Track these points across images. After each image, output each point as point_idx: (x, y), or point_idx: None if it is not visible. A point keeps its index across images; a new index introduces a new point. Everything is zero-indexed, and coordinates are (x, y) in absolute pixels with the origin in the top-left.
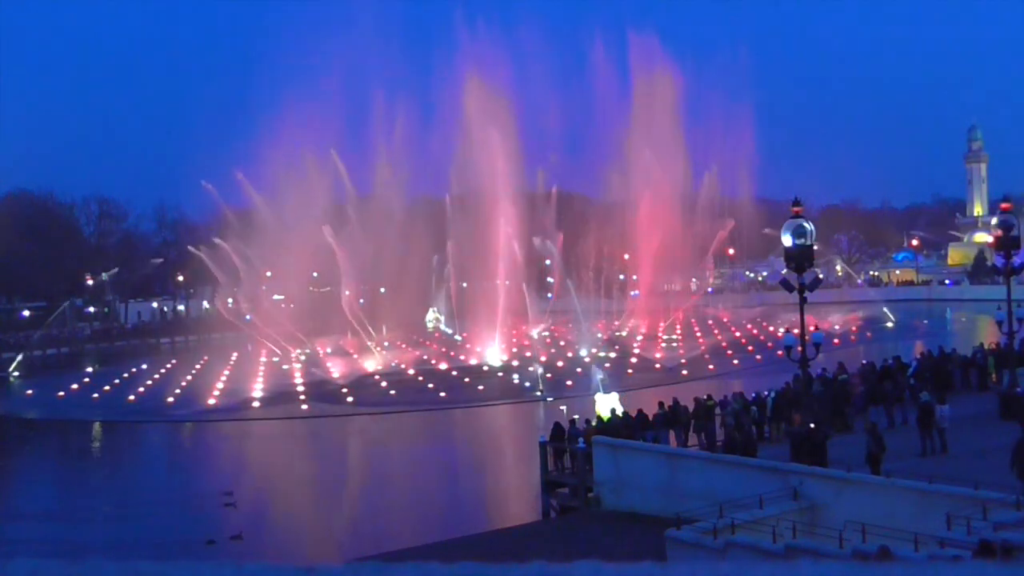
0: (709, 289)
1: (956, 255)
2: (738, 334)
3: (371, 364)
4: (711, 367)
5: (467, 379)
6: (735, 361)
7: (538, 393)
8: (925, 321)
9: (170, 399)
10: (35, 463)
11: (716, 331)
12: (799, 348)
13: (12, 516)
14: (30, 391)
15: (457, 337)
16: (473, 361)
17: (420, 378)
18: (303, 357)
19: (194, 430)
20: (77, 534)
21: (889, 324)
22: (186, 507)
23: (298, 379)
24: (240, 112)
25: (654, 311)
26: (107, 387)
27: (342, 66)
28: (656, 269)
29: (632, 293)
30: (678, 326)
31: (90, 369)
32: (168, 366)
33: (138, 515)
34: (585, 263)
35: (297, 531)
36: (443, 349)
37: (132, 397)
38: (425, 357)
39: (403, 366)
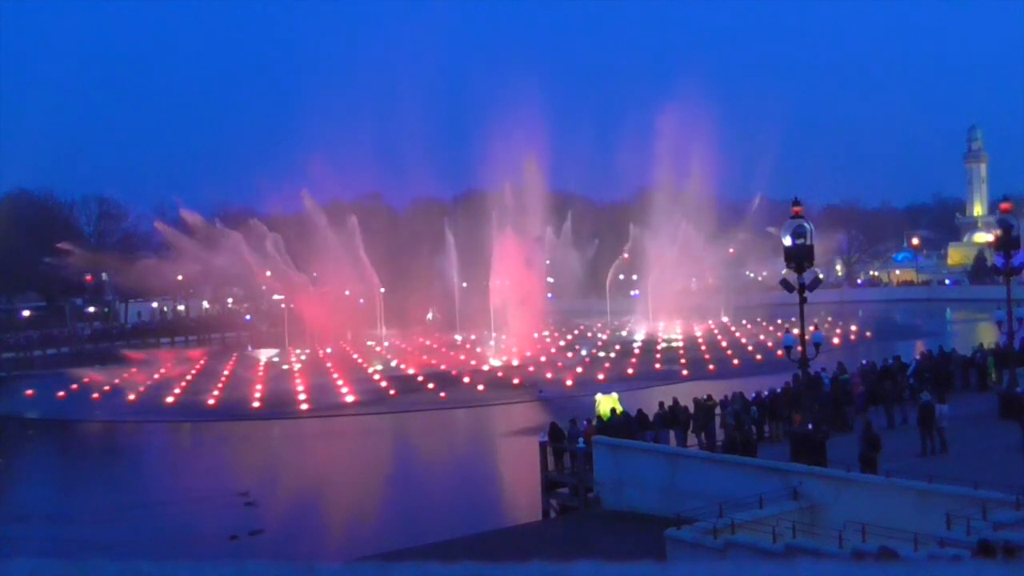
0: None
1: (956, 255)
2: (738, 334)
3: (371, 364)
4: (711, 367)
5: (467, 379)
6: (735, 361)
7: (540, 393)
8: (919, 319)
9: (169, 399)
10: (43, 464)
11: (716, 331)
12: (799, 348)
13: (32, 517)
14: (30, 391)
15: (457, 337)
16: (473, 361)
17: (420, 378)
18: (303, 357)
19: (194, 431)
20: (99, 533)
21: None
22: (204, 505)
23: (298, 380)
24: (239, 113)
25: (654, 311)
26: (107, 387)
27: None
28: (657, 270)
29: (632, 293)
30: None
31: (90, 369)
32: (168, 366)
33: (157, 514)
34: (585, 263)
35: (302, 529)
36: (443, 349)
37: (132, 397)
38: (425, 357)
39: (403, 366)
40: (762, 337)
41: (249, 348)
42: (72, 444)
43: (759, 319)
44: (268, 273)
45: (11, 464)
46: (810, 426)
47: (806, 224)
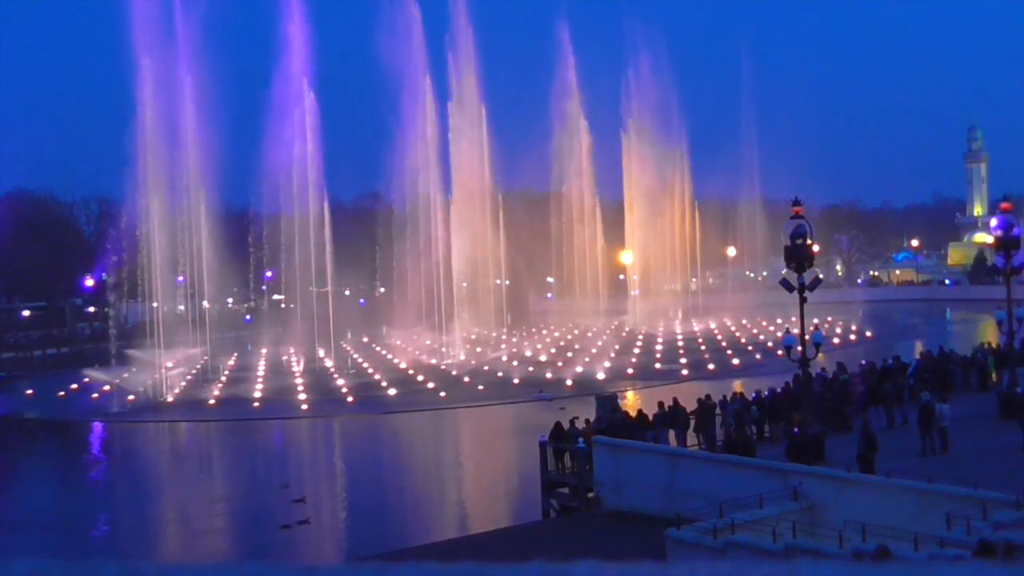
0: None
1: (956, 255)
2: (738, 334)
3: (371, 363)
4: (711, 367)
5: (467, 379)
6: (735, 361)
7: (539, 393)
8: (919, 319)
9: (169, 399)
10: (52, 464)
11: (716, 331)
12: (799, 348)
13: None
14: (30, 391)
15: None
16: (473, 361)
17: (420, 378)
18: (302, 357)
19: (194, 430)
20: (163, 527)
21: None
22: (244, 500)
23: (298, 380)
24: (237, 112)
25: (655, 311)
26: (107, 387)
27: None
28: (656, 269)
29: (632, 292)
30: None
31: (90, 369)
32: (168, 366)
33: (204, 512)
34: (585, 262)
35: (308, 528)
36: (443, 349)
37: (132, 397)
38: (425, 357)
39: (403, 366)
40: (762, 337)
41: (249, 348)
42: (76, 444)
43: (759, 319)
44: (268, 273)
45: (20, 465)
46: (796, 431)
47: (806, 224)
